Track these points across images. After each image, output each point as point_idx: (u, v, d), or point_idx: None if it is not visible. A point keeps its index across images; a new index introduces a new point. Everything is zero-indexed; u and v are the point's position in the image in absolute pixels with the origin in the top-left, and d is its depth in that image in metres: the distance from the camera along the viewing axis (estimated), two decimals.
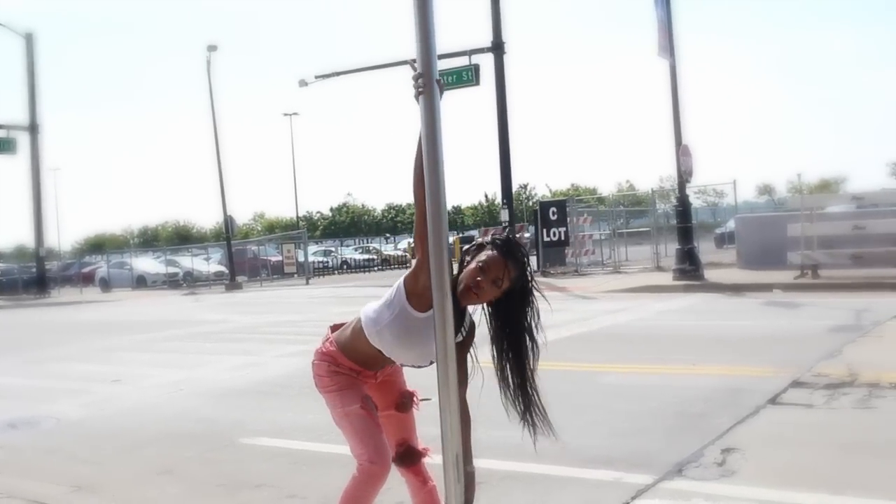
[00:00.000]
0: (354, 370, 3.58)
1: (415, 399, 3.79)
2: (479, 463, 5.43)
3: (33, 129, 36.41)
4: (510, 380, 3.49)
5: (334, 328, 3.72)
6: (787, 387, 7.17)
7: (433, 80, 2.94)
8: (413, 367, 3.51)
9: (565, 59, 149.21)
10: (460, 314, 3.23)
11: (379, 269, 42.88)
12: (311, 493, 5.22)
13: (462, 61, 25.13)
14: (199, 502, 5.29)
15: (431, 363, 3.19)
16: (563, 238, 25.11)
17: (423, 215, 3.04)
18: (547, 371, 9.00)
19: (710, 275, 19.05)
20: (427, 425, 3.81)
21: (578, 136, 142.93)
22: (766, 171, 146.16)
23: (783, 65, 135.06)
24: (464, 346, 3.30)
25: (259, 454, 6.25)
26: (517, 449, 5.77)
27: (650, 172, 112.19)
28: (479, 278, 3.17)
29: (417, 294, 3.22)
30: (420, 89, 2.97)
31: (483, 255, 3.24)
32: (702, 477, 4.96)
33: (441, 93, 3.03)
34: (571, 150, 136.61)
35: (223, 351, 12.35)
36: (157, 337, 14.85)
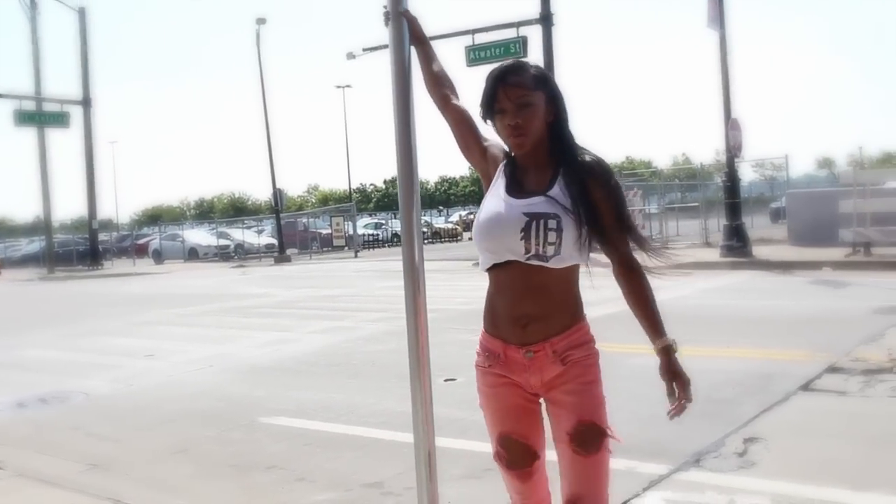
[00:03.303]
0: (494, 352, 2.67)
1: (609, 432, 2.72)
2: (487, 447, 5.35)
3: (86, 103, 36.81)
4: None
5: None
6: (821, 372, 6.92)
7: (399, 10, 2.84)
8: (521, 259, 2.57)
9: (616, 31, 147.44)
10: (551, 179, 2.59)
11: (429, 243, 42.59)
12: (320, 476, 5.15)
13: (510, 33, 24.80)
14: (208, 483, 5.25)
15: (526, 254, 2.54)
16: None
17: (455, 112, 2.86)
18: None
19: (759, 251, 18.63)
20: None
21: (633, 108, 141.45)
22: (829, 144, 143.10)
23: (838, 36, 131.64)
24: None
25: (275, 434, 6.20)
26: None
27: (707, 145, 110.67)
28: (506, 123, 2.56)
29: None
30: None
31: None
32: (719, 468, 4.78)
33: (412, 27, 2.90)
34: (626, 122, 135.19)
35: (258, 326, 12.37)
36: (198, 311, 14.95)
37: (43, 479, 5.32)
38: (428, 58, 3.00)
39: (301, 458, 5.57)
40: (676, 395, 2.61)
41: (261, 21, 35.07)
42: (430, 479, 2.73)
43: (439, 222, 54.13)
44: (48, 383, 8.72)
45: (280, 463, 5.49)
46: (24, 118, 31.88)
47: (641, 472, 4.76)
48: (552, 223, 2.51)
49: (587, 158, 2.62)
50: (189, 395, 7.80)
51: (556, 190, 2.56)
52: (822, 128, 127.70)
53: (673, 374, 2.58)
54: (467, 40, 25.08)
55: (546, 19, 24.92)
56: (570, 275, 2.66)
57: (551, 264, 2.56)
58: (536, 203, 2.53)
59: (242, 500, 4.90)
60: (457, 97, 2.91)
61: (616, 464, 4.90)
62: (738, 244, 18.39)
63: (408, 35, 2.88)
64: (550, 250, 2.53)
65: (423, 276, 2.82)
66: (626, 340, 8.93)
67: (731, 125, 18.58)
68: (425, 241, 42.21)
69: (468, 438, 5.55)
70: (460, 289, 16.23)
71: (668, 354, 2.59)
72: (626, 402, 6.43)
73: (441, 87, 2.93)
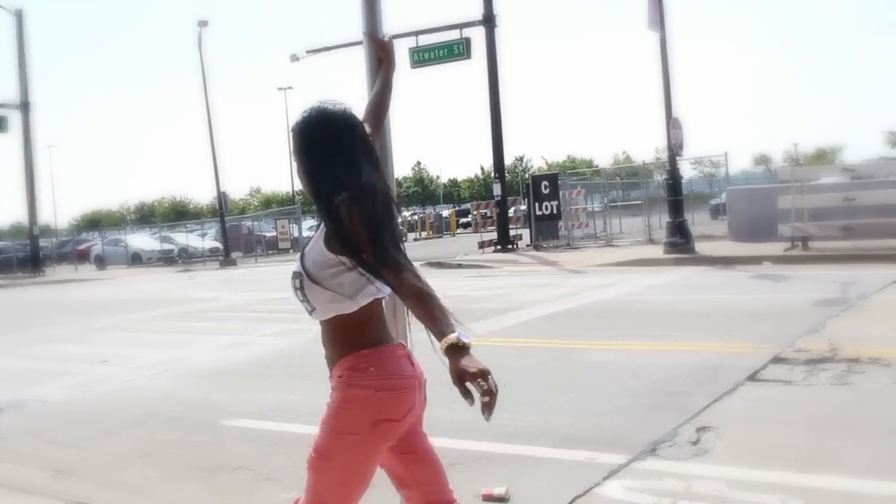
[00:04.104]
0: None
1: (312, 453, 2.63)
2: (453, 443, 5.50)
3: (25, 106, 36.24)
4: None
5: None
6: (767, 363, 7.19)
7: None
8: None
9: (559, 32, 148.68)
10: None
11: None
12: (286, 475, 5.24)
13: (453, 35, 25.03)
14: (177, 485, 5.32)
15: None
16: (555, 212, 25.08)
17: None
18: (530, 349, 9.13)
19: (702, 247, 19.05)
20: None
21: (575, 108, 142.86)
22: (765, 141, 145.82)
23: (780, 33, 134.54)
24: None
25: (239, 436, 6.27)
26: (494, 429, 5.81)
27: (647, 143, 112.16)
28: None
29: None
30: None
31: None
32: (675, 456, 4.98)
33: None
34: (568, 122, 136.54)
35: (211, 330, 12.37)
36: (148, 316, 14.87)
37: (12, 486, 5.34)
38: (384, 84, 3.16)
39: (266, 459, 5.66)
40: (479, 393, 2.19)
41: (203, 24, 34.75)
42: None
43: None
44: (2, 391, 8.65)
45: (246, 464, 5.58)
46: None
47: (601, 462, 4.95)
48: (297, 282, 2.57)
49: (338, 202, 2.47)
50: (148, 399, 7.82)
51: (311, 246, 2.59)
52: (758, 125, 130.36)
53: (460, 373, 2.20)
54: (411, 42, 25.24)
55: (489, 21, 25.19)
56: (339, 323, 2.58)
57: (315, 317, 2.62)
58: (298, 261, 2.60)
59: (212, 501, 4.99)
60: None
61: (576, 455, 5.14)
62: (681, 241, 18.79)
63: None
64: (308, 307, 2.60)
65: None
66: (579, 337, 9.23)
67: (673, 124, 18.97)
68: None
69: (430, 436, 5.68)
70: None
71: (454, 352, 2.25)
72: (582, 395, 6.64)
73: (374, 117, 3.07)
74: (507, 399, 6.98)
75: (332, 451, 2.54)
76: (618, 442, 5.31)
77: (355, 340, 2.56)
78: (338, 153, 2.53)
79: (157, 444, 6.21)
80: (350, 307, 2.53)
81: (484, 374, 2.19)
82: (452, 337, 2.28)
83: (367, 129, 2.73)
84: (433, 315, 2.35)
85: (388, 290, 2.50)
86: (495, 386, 2.21)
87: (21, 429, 7.11)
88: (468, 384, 2.19)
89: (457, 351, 2.25)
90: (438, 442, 5.42)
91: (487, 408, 2.19)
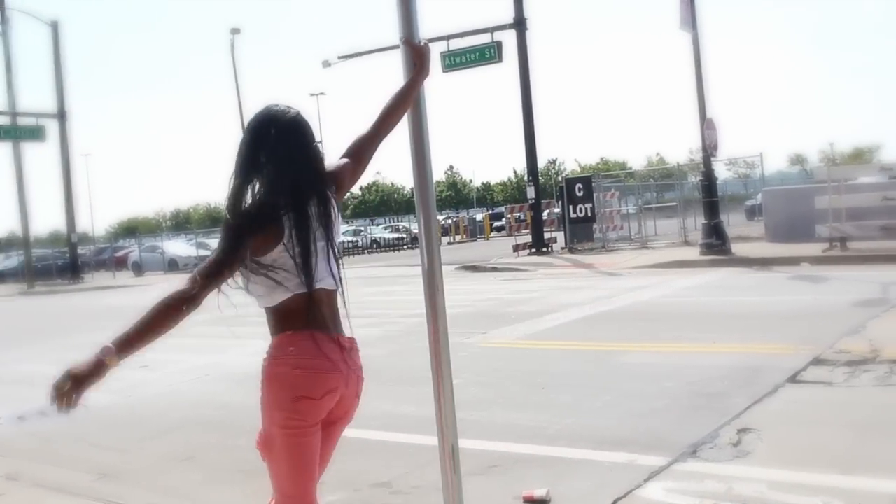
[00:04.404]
0: None
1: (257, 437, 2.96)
2: (492, 446, 5.52)
3: (61, 116, 36.75)
4: None
5: None
6: (807, 364, 7.13)
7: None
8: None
9: (590, 34, 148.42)
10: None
11: (409, 248, 42.72)
12: (326, 477, 5.21)
13: (484, 38, 25.07)
14: (218, 489, 5.38)
15: None
16: (589, 214, 25.00)
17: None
18: (568, 351, 9.11)
19: (738, 249, 18.91)
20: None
21: (608, 110, 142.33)
22: (801, 141, 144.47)
23: (816, 32, 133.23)
24: None
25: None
26: (533, 431, 5.85)
27: (681, 145, 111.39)
28: None
29: None
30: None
31: None
32: (716, 458, 4.96)
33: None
34: (601, 124, 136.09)
35: (249, 335, 12.33)
36: (187, 321, 14.97)
37: (58, 488, 5.43)
38: (409, 88, 3.20)
39: None
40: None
41: (235, 31, 35.22)
42: (455, 471, 2.88)
43: (416, 227, 54.03)
44: (45, 396, 8.75)
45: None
46: None
47: (641, 463, 4.94)
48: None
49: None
50: (189, 404, 7.92)
51: None
52: (793, 125, 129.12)
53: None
54: (442, 46, 25.29)
55: (520, 24, 25.18)
56: (270, 312, 2.80)
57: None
58: None
59: None
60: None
61: (616, 457, 5.14)
62: (717, 242, 18.67)
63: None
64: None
65: (442, 279, 3.00)
66: (616, 339, 9.20)
67: (707, 125, 18.85)
68: (405, 247, 42.58)
69: (469, 438, 5.67)
70: (447, 293, 16.32)
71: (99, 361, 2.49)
72: (620, 397, 6.63)
73: (386, 120, 3.11)
74: (545, 402, 7.02)
75: (271, 437, 2.76)
76: (657, 444, 5.29)
77: (282, 326, 2.74)
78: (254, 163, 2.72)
79: (197, 448, 6.29)
80: (270, 302, 2.74)
81: (57, 385, 2.52)
82: (106, 347, 2.50)
83: (369, 133, 2.98)
84: (135, 321, 2.59)
85: (302, 288, 2.66)
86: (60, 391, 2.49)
87: (66, 433, 7.21)
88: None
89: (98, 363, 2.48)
90: (477, 444, 5.50)
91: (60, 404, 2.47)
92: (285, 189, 2.62)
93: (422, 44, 3.24)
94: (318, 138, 2.80)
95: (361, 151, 2.99)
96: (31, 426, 7.59)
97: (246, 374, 9.04)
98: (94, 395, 7.95)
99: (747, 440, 5.23)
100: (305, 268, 2.62)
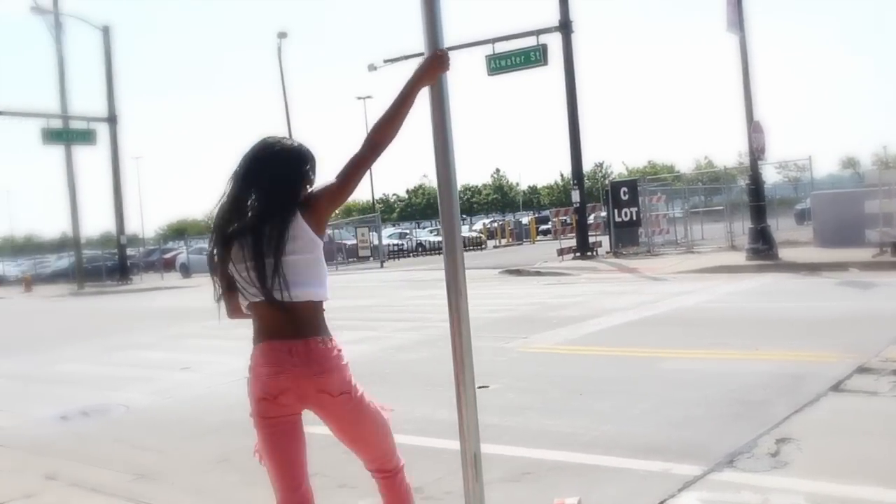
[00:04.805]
0: None
1: None
2: (526, 452, 5.47)
3: (112, 119, 37.34)
4: None
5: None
6: (851, 373, 6.98)
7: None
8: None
9: (637, 36, 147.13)
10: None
11: None
12: (361, 482, 5.24)
13: (530, 41, 25.01)
14: (255, 490, 5.38)
15: None
16: (634, 218, 24.82)
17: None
18: (608, 357, 9.04)
19: (785, 254, 18.62)
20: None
21: (656, 113, 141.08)
22: (854, 144, 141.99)
23: (869, 34, 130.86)
24: None
25: (314, 442, 6.24)
26: (568, 438, 5.79)
27: (730, 148, 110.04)
28: None
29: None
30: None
31: None
32: (753, 468, 4.87)
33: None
34: (649, 127, 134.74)
35: None
36: (230, 323, 15.02)
37: (94, 488, 5.50)
38: (406, 93, 3.19)
39: (340, 465, 5.67)
40: None
41: (282, 35, 35.51)
42: (477, 479, 2.85)
43: (463, 231, 53.94)
44: (88, 397, 8.92)
45: (321, 470, 5.60)
46: (51, 136, 32.44)
47: (676, 473, 4.86)
48: None
49: None
50: (227, 406, 7.96)
51: None
52: (846, 127, 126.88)
53: None
54: (487, 49, 25.31)
55: (565, 26, 25.08)
56: None
57: None
58: None
59: None
60: None
61: (651, 465, 5.06)
62: (763, 247, 18.39)
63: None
64: None
65: (465, 285, 2.97)
66: (658, 345, 9.09)
67: (754, 128, 18.60)
68: None
69: (503, 444, 5.67)
70: (489, 297, 16.35)
71: None
72: (658, 404, 6.54)
73: (386, 139, 3.15)
74: (582, 408, 6.95)
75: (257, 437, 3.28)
76: (694, 452, 5.21)
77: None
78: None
79: (234, 450, 6.31)
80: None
81: None
82: None
83: (359, 155, 3.09)
84: None
85: (253, 298, 3.05)
86: None
87: (106, 433, 7.31)
88: None
89: None
90: (511, 450, 5.47)
91: None
92: (235, 211, 3.05)
93: (438, 53, 3.26)
94: (307, 165, 3.13)
95: (349, 175, 3.09)
96: (73, 426, 7.69)
97: None
98: (135, 397, 8.11)
99: (786, 450, 5.13)
100: (258, 281, 2.99)
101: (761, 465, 4.93)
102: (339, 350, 3.18)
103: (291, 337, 3.04)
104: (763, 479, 4.67)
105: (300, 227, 2.99)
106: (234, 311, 3.26)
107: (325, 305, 3.16)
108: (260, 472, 5.75)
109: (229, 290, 3.13)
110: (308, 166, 3.15)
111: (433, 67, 3.23)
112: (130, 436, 7.09)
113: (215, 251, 3.06)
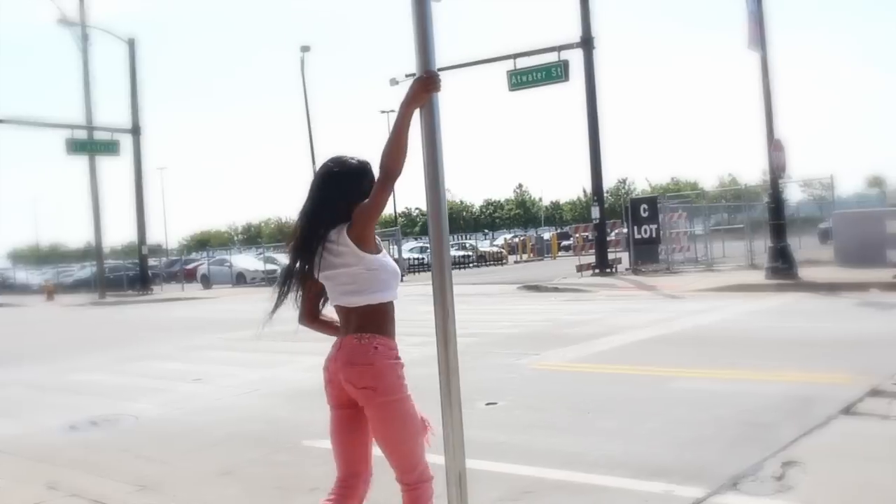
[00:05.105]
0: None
1: None
2: (530, 471, 5.42)
3: (136, 131, 37.61)
4: None
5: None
6: (863, 395, 6.89)
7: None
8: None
9: (660, 52, 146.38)
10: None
11: (475, 266, 42.59)
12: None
13: (551, 57, 24.97)
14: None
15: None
16: (654, 235, 24.70)
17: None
18: (619, 375, 8.97)
19: (806, 273, 18.45)
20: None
21: (679, 129, 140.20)
22: (882, 162, 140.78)
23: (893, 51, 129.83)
24: None
25: (319, 457, 6.29)
26: (572, 457, 5.74)
27: (755, 165, 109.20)
28: None
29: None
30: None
31: None
32: (756, 492, 4.80)
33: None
34: (672, 143, 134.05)
35: (304, 350, 12.42)
36: (245, 335, 15.14)
37: (94, 499, 5.49)
38: (398, 123, 3.22)
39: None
40: None
41: (305, 48, 35.71)
42: (461, 499, 2.82)
43: (484, 246, 53.98)
44: (99, 406, 8.94)
45: (323, 485, 5.55)
46: (76, 147, 32.66)
47: (678, 495, 4.80)
48: None
49: None
50: (236, 418, 7.97)
51: None
52: (874, 145, 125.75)
53: None
54: (509, 65, 25.29)
55: (587, 43, 25.06)
56: None
57: None
58: None
59: None
60: None
61: (653, 486, 5.01)
62: (783, 266, 18.23)
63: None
64: None
65: (453, 303, 2.96)
66: (671, 364, 9.01)
67: (774, 146, 18.48)
68: (471, 265, 42.51)
69: (507, 461, 5.63)
70: (505, 312, 16.30)
71: None
72: (667, 424, 6.47)
73: (397, 161, 3.22)
74: (589, 426, 6.89)
75: None
76: (698, 474, 5.14)
77: None
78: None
79: (239, 463, 6.30)
80: None
81: None
82: None
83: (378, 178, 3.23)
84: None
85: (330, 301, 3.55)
86: None
87: (113, 443, 7.32)
88: None
89: None
90: (514, 469, 5.42)
91: None
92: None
93: (425, 76, 3.23)
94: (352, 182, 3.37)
95: (375, 195, 3.26)
96: (80, 435, 7.71)
97: (297, 391, 9.11)
98: (146, 407, 8.14)
99: (791, 474, 5.05)
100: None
101: (765, 488, 4.85)
102: (377, 347, 3.36)
103: (343, 334, 3.47)
104: (765, 502, 4.61)
105: (345, 241, 3.30)
106: (304, 316, 3.72)
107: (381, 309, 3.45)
108: (261, 485, 5.76)
109: (308, 297, 3.62)
110: (353, 183, 3.36)
111: (423, 89, 3.20)
112: (137, 446, 7.09)
113: (297, 262, 3.48)
